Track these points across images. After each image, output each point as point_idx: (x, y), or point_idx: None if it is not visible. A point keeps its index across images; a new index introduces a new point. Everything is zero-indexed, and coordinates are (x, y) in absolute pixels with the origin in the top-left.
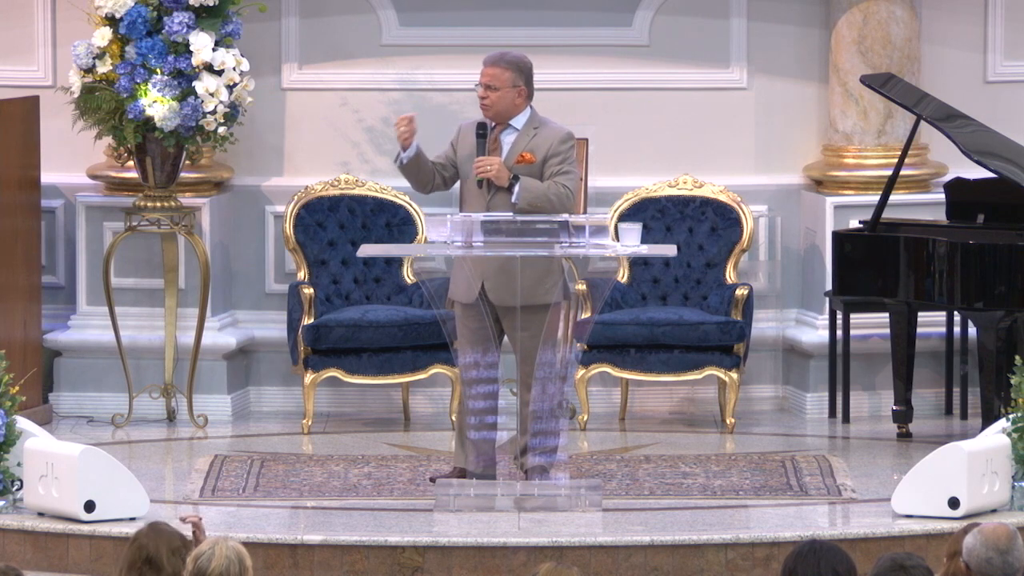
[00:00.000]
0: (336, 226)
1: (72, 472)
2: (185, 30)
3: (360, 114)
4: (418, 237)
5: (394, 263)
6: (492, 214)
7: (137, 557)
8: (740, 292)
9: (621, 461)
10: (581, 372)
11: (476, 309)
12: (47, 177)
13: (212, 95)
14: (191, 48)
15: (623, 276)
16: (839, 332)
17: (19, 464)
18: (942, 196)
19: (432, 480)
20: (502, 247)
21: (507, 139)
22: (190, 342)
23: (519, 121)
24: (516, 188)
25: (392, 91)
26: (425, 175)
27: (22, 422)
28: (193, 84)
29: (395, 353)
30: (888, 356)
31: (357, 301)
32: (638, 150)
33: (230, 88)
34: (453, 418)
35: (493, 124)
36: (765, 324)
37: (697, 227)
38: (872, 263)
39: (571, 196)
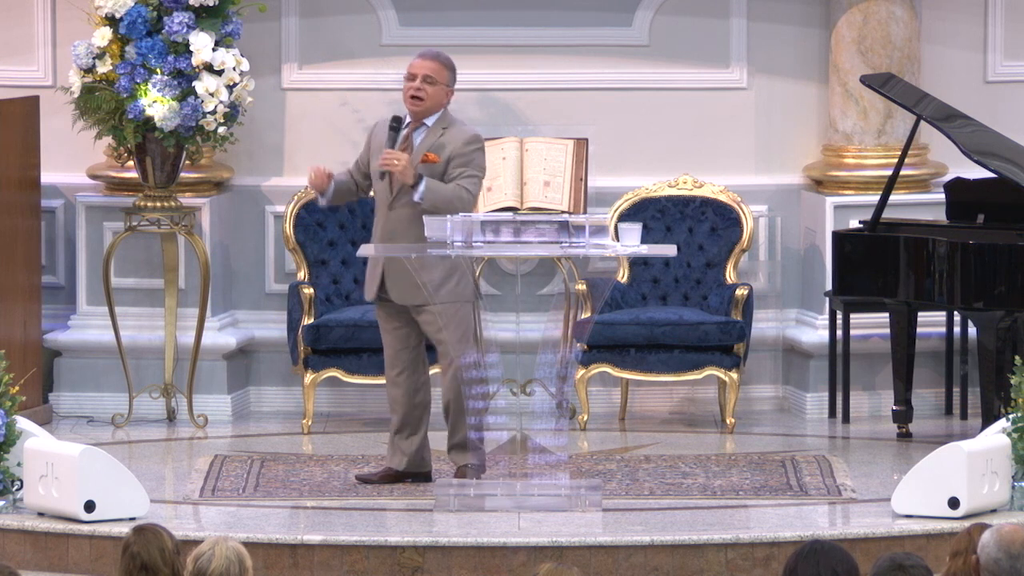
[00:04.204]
0: (336, 226)
1: (72, 472)
2: (185, 30)
3: (360, 114)
4: None
5: None
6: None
7: (132, 566)
8: (740, 292)
9: (621, 461)
10: (581, 372)
11: (389, 308)
12: (47, 177)
13: (212, 95)
14: (191, 48)
15: (623, 276)
16: (839, 332)
17: (19, 464)
18: (942, 196)
19: (358, 479)
20: (396, 249)
21: (418, 137)
22: (190, 342)
23: (431, 119)
24: (421, 188)
25: (392, 91)
26: (350, 195)
27: (22, 422)
28: (193, 84)
29: None
30: (888, 356)
31: (357, 301)
32: (638, 150)
33: (230, 88)
34: None
35: (408, 120)
36: (765, 324)
37: (697, 227)
38: (872, 263)
39: (473, 200)
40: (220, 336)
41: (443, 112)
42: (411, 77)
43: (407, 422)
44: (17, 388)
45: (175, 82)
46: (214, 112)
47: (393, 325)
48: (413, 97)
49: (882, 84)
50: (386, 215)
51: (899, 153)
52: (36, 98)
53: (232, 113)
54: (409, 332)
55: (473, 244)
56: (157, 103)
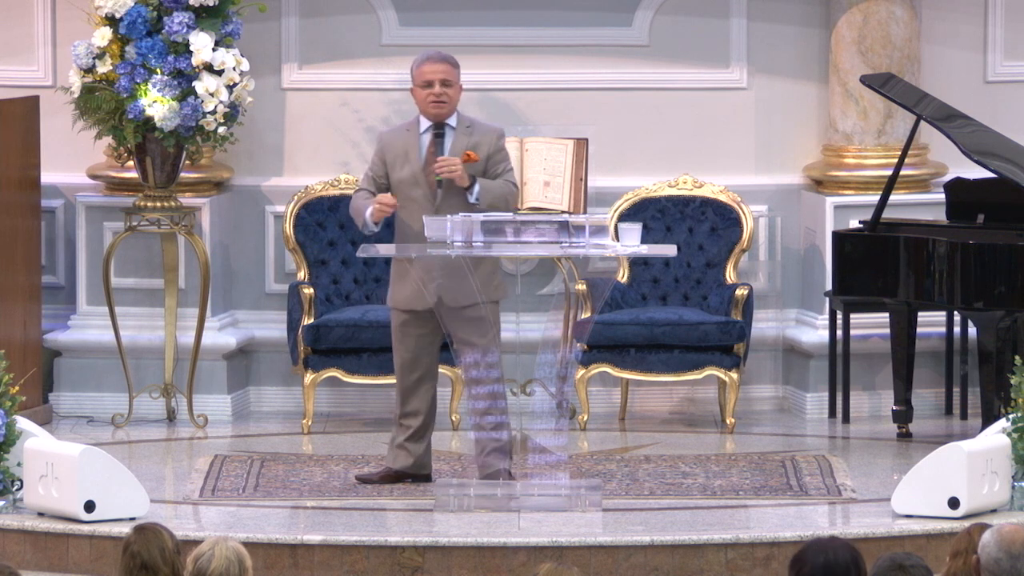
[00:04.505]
0: (336, 226)
1: (72, 472)
2: (185, 30)
3: (360, 114)
4: None
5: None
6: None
7: (132, 565)
8: (740, 292)
9: (621, 461)
10: (581, 372)
11: (424, 315)
12: (47, 177)
13: (212, 95)
14: (191, 48)
15: (623, 276)
16: (839, 332)
17: (19, 464)
18: (942, 196)
19: (358, 480)
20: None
21: (447, 140)
22: (190, 342)
23: (452, 120)
24: (476, 188)
25: (392, 91)
26: None
27: (22, 422)
28: (193, 84)
29: None
30: (888, 356)
31: (357, 301)
32: (638, 150)
33: (230, 88)
34: (453, 418)
35: (429, 125)
36: (765, 324)
37: (697, 227)
38: (872, 263)
39: (518, 193)
40: (220, 336)
41: (457, 111)
42: (428, 84)
43: (425, 427)
44: (17, 388)
45: (175, 82)
46: (214, 112)
47: (420, 331)
48: (437, 103)
49: (882, 84)
50: None
51: (899, 153)
52: (36, 98)
53: (232, 113)
54: (433, 338)
55: (473, 244)
56: (157, 103)
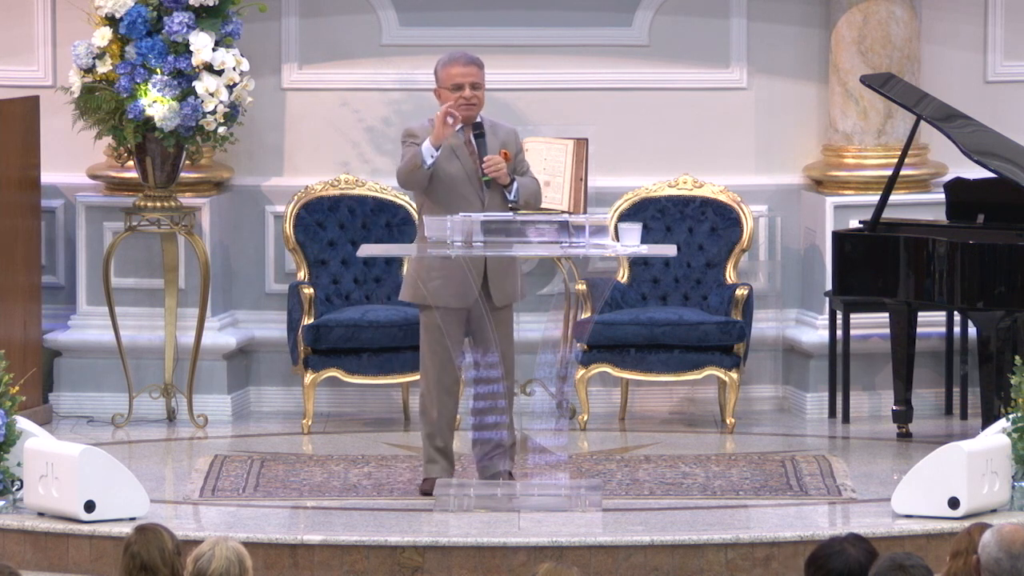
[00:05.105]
0: (336, 226)
1: (72, 472)
2: (185, 30)
3: (360, 114)
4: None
5: (394, 263)
6: (491, 213)
7: (132, 565)
8: (740, 292)
9: (621, 461)
10: (581, 372)
11: (457, 314)
12: (47, 177)
13: (212, 95)
14: (191, 48)
15: (623, 276)
16: (839, 332)
17: (19, 464)
18: (942, 196)
19: (424, 493)
20: (503, 247)
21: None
22: (190, 342)
23: (480, 121)
24: (515, 186)
25: (392, 91)
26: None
27: (22, 422)
28: (193, 84)
29: (395, 353)
30: (888, 356)
31: (357, 301)
32: (638, 150)
33: (230, 88)
34: None
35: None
36: (765, 324)
37: (697, 227)
38: (872, 263)
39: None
40: (220, 336)
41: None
42: (458, 87)
43: (455, 428)
44: (17, 388)
45: (175, 82)
46: (214, 112)
47: (457, 337)
48: (467, 106)
49: (882, 84)
50: None
51: (899, 153)
52: (36, 98)
53: (232, 113)
54: (459, 338)
55: (473, 244)
56: (157, 103)
